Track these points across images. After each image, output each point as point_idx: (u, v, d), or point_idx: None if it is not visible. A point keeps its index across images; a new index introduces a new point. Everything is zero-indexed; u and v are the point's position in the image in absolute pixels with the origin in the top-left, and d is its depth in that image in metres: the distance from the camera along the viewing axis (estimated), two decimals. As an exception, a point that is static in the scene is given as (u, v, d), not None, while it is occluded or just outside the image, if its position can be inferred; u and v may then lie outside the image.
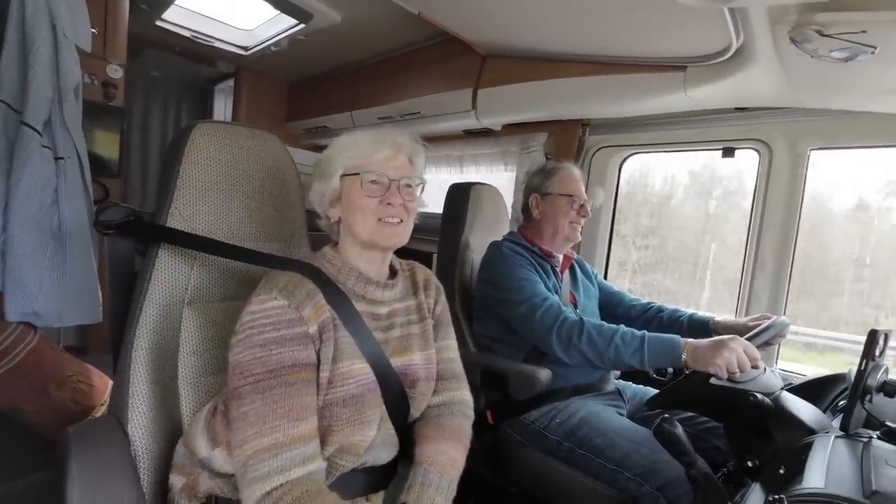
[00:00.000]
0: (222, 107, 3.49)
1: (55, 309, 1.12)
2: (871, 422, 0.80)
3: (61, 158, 1.10)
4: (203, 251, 0.87)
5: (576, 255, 1.55)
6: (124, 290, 0.89)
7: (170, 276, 0.87)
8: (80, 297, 1.17)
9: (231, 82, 3.22)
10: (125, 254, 0.90)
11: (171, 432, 0.81)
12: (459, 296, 1.58)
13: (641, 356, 1.11)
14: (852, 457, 0.67)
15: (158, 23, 2.38)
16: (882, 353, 0.79)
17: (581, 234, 1.48)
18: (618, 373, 1.54)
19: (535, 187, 1.47)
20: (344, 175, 0.79)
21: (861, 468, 0.63)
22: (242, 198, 0.94)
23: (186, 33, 2.48)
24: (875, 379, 0.76)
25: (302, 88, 3.17)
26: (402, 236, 0.80)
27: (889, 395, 0.76)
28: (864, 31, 0.85)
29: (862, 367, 0.75)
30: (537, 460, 1.21)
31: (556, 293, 1.36)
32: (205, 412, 0.77)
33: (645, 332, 1.14)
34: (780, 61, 1.15)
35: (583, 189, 1.46)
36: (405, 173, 0.81)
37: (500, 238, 1.55)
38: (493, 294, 1.37)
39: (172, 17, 2.34)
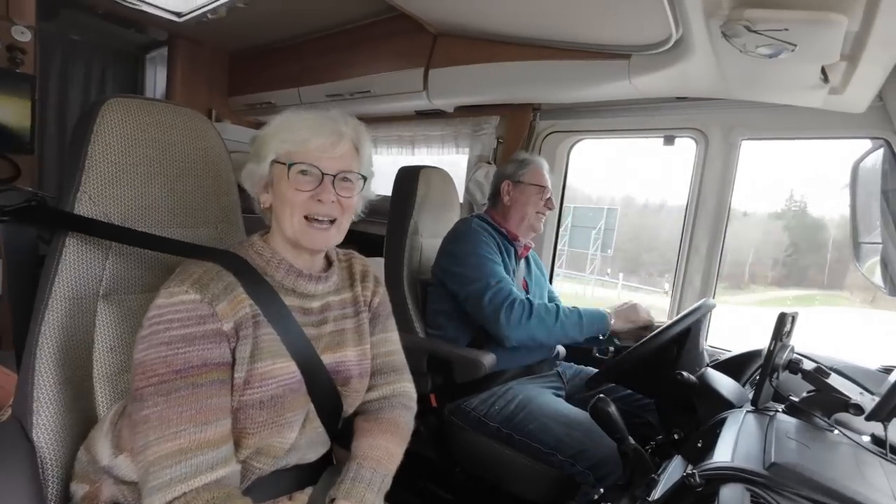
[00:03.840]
0: (154, 77, 3.22)
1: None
2: (779, 396, 0.87)
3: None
4: (112, 240, 0.80)
5: (532, 247, 1.59)
6: (26, 280, 0.80)
7: (80, 266, 0.79)
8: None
9: (164, 51, 2.97)
10: (26, 238, 0.81)
11: (83, 437, 0.75)
12: (408, 280, 1.57)
13: (581, 326, 1.29)
14: (758, 430, 0.73)
15: (74, -21, 2.14)
16: (789, 333, 0.85)
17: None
18: (563, 353, 1.59)
19: (508, 174, 1.53)
20: (275, 161, 0.72)
21: (765, 441, 0.68)
22: (163, 181, 0.87)
23: (108, -6, 2.25)
24: (782, 358, 0.82)
25: (245, 61, 2.97)
26: (332, 239, 0.74)
27: (794, 372, 0.83)
28: (786, 29, 0.89)
29: (771, 348, 0.81)
30: (480, 444, 1.24)
31: (512, 276, 1.41)
32: (110, 415, 0.72)
33: (577, 307, 1.33)
34: (715, 54, 1.19)
35: (550, 183, 1.53)
36: (345, 165, 0.73)
37: (450, 222, 1.55)
38: (450, 268, 1.39)
39: (90, -26, 2.11)
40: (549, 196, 1.51)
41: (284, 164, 0.71)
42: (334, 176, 0.71)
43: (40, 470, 0.70)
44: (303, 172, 0.71)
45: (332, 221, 0.73)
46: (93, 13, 2.59)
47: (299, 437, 0.72)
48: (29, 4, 1.80)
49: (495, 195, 1.56)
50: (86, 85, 3.01)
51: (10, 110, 1.73)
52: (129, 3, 2.33)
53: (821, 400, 0.78)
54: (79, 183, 0.79)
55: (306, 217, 0.71)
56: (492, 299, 1.25)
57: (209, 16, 2.34)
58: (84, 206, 0.79)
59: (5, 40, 1.71)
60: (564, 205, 2.19)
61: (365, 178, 0.77)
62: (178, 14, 2.44)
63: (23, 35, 1.76)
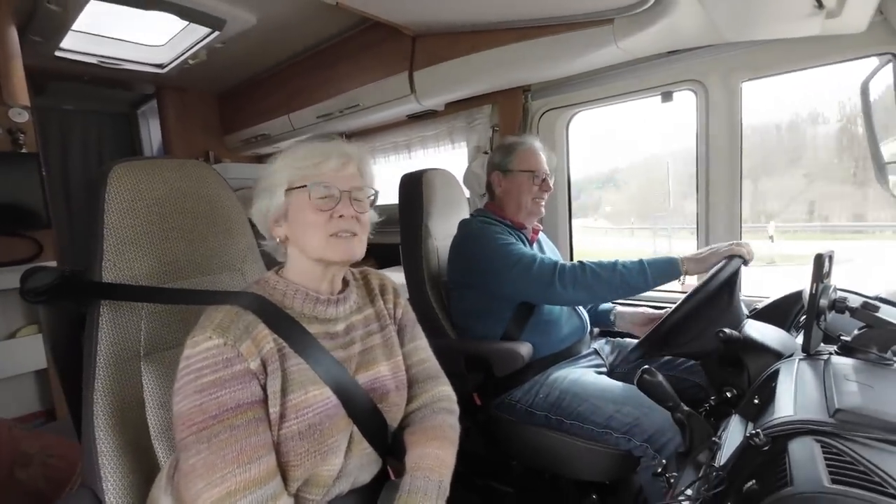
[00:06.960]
0: (148, 130, 3.28)
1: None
2: (829, 338, 0.85)
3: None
4: (141, 301, 0.82)
5: (541, 229, 1.57)
6: (69, 352, 0.83)
7: (119, 332, 0.81)
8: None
9: (154, 103, 3.02)
10: (63, 313, 0.84)
11: (153, 493, 0.77)
12: (430, 285, 1.57)
13: (646, 275, 1.17)
14: (815, 377, 0.71)
15: (58, 53, 2.20)
16: (828, 273, 0.83)
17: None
18: (595, 330, 1.57)
19: (496, 164, 1.49)
20: (289, 189, 0.75)
21: (824, 388, 0.66)
22: (179, 234, 0.89)
23: (92, 59, 2.30)
24: (826, 299, 0.80)
25: (232, 98, 3.01)
26: (357, 251, 0.76)
27: (840, 311, 0.80)
28: (771, -37, 0.86)
29: (813, 291, 0.79)
30: (531, 434, 1.24)
31: None
32: (165, 470, 0.73)
33: (641, 258, 1.21)
34: (700, 2, 1.16)
35: (544, 164, 1.47)
36: (355, 184, 0.77)
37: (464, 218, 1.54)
38: (475, 267, 1.36)
39: (72, 45, 2.16)
40: (543, 178, 1.44)
41: (303, 186, 0.74)
42: (350, 193, 0.75)
43: (118, 533, 0.72)
44: (322, 197, 0.74)
45: (353, 236, 0.76)
46: (80, 80, 2.66)
47: (347, 462, 0.73)
48: (20, 86, 1.84)
49: (490, 188, 1.52)
50: (84, 149, 3.10)
51: (22, 190, 1.79)
52: (112, 64, 2.38)
53: (874, 335, 0.75)
54: (101, 251, 0.81)
55: (330, 235, 0.74)
56: (539, 270, 1.22)
57: (189, 62, 2.38)
58: (110, 273, 0.81)
59: (5, 125, 1.77)
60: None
61: (375, 191, 0.80)
62: (161, 65, 2.49)
63: (20, 116, 1.81)
